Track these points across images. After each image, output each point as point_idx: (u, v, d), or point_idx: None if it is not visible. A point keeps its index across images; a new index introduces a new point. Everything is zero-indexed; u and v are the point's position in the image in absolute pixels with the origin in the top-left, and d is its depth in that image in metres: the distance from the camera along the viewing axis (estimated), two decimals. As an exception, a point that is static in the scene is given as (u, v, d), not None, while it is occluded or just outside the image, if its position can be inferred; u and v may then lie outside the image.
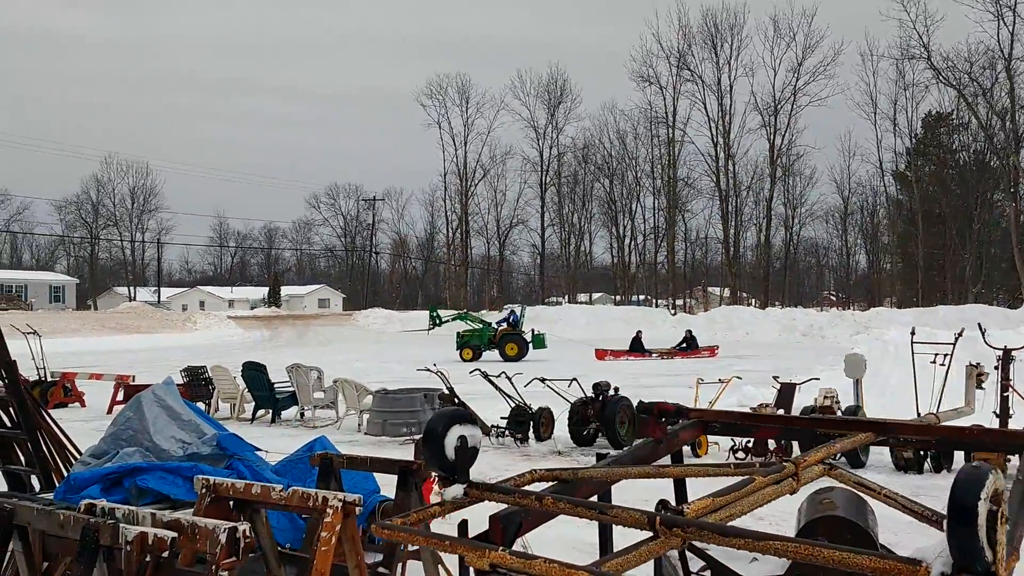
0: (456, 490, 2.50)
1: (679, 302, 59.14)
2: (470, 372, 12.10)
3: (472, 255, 64.33)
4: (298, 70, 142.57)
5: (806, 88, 54.18)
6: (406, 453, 10.68)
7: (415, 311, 62.66)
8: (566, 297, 65.71)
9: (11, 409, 6.53)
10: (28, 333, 16.17)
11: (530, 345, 28.25)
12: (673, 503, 2.35)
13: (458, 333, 29.56)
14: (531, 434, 11.32)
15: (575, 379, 10.98)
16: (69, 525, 3.58)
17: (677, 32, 62.43)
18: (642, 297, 67.11)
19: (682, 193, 57.35)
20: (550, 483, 2.81)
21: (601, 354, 27.47)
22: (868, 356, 16.10)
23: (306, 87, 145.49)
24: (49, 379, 16.06)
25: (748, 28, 73.54)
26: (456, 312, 36.04)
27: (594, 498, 2.90)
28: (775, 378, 10.96)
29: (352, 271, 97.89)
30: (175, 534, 3.49)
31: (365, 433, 12.31)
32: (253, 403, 13.85)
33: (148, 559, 3.53)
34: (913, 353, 9.80)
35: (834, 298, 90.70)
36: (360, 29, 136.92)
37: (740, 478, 2.60)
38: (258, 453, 5.99)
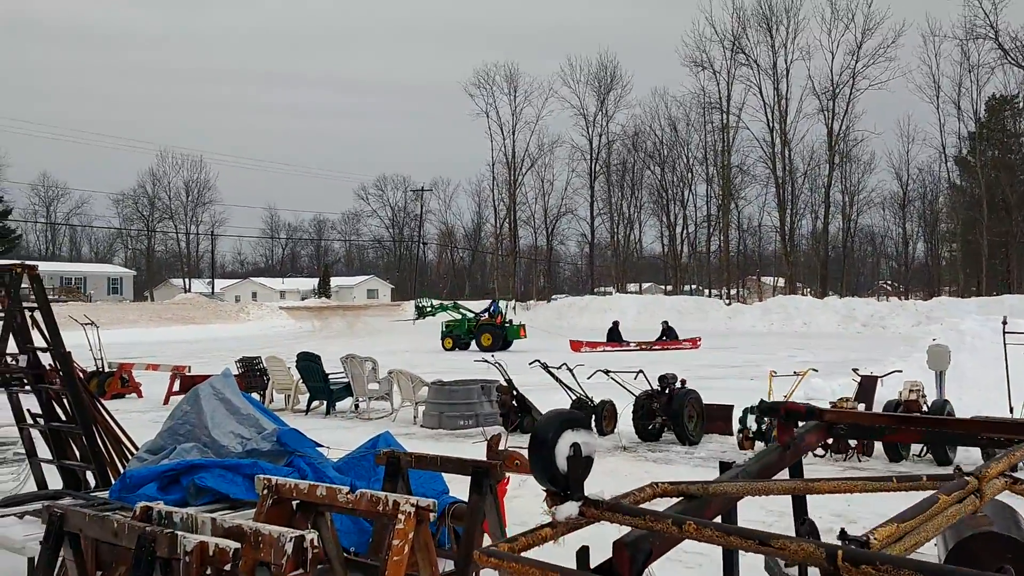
0: (570, 508, 2.11)
1: (731, 292, 57.92)
2: (529, 363, 11.72)
3: (520, 245, 63.93)
4: (348, 61, 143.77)
5: (865, 71, 52.55)
6: (464, 446, 10.36)
7: (464, 301, 62.59)
8: (615, 287, 64.95)
9: (66, 402, 6.33)
10: (86, 324, 16.24)
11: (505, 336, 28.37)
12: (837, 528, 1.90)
13: (444, 323, 30.02)
14: (593, 428, 10.90)
15: (641, 371, 10.53)
16: (123, 533, 3.27)
17: (731, 15, 61.14)
18: (692, 287, 66.03)
19: (735, 181, 56.15)
20: (675, 499, 2.40)
21: (576, 345, 27.01)
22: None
23: (355, 78, 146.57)
24: (106, 370, 16.10)
25: (805, 10, 71.87)
26: (441, 303, 36.62)
27: (717, 518, 2.48)
28: (855, 370, 10.37)
29: (400, 262, 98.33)
30: (237, 544, 3.16)
31: (421, 425, 12.02)
32: (308, 394, 13.67)
33: (208, 571, 3.22)
34: (1005, 344, 9.12)
35: (889, 287, 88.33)
36: (410, 19, 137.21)
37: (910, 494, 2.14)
38: (319, 449, 5.69)
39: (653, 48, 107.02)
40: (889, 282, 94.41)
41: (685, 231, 64.64)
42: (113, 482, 6.24)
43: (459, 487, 6.14)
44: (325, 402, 13.48)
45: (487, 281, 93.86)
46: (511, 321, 29.92)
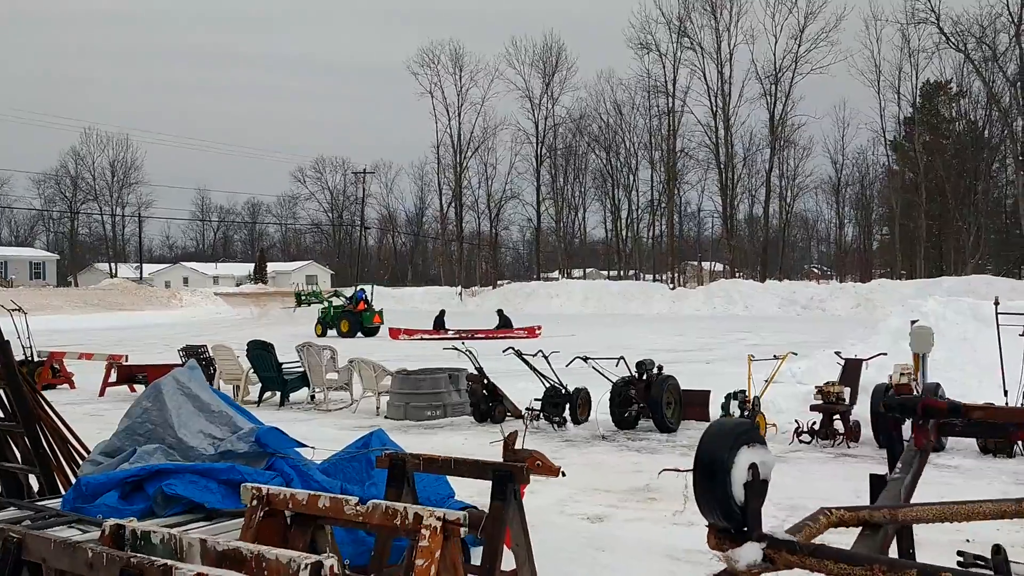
0: (752, 553, 1.58)
1: (674, 277, 58.29)
2: (503, 351, 11.19)
3: (463, 230, 63.21)
4: (286, 40, 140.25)
5: (807, 55, 53.10)
6: (434, 438, 9.81)
7: (407, 287, 61.60)
8: (559, 273, 64.78)
9: (4, 397, 5.56)
10: (12, 310, 15.09)
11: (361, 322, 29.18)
12: None
13: (320, 311, 31.22)
14: (567, 416, 10.44)
15: (622, 358, 10.10)
16: (101, 565, 2.64)
17: (677, -4, 60.73)
18: (634, 272, 66.28)
19: (679, 165, 56.31)
20: (854, 528, 1.89)
21: (395, 333, 27.27)
22: (903, 330, 15.36)
23: (294, 57, 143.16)
24: (36, 359, 15.00)
25: (750, -8, 71.89)
26: (315, 292, 40.31)
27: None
28: (837, 353, 10.12)
29: (340, 247, 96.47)
30: (242, 576, 2.57)
31: (385, 417, 11.40)
32: (259, 384, 12.88)
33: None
34: (999, 325, 8.95)
35: (818, 271, 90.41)
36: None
37: None
38: (303, 450, 5.07)
39: (599, 30, 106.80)
40: (818, 266, 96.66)
41: (630, 216, 64.75)
42: (61, 488, 5.52)
43: (466, 490, 5.62)
44: (279, 393, 12.72)
45: (429, 266, 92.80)
46: (370, 308, 30.13)
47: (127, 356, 14.95)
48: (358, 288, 32.27)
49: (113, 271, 77.38)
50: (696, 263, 70.47)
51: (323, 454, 5.23)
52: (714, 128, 53.99)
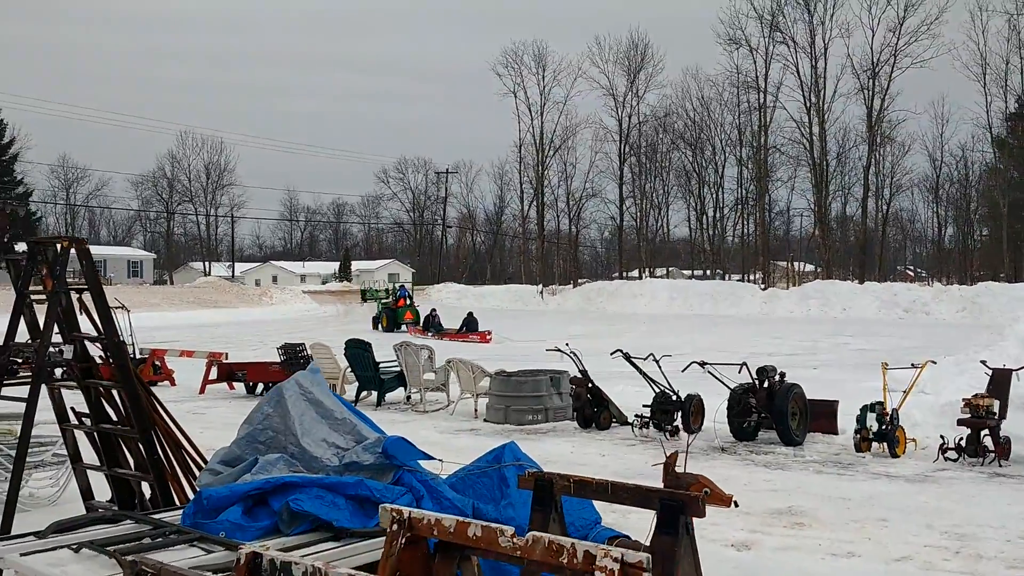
0: None
1: (764, 277, 56.42)
2: (611, 353, 10.68)
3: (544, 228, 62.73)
4: (370, 42, 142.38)
5: (907, 49, 50.66)
6: (537, 444, 9.36)
7: (486, 286, 61.51)
8: (641, 272, 63.64)
9: (119, 400, 5.36)
10: (116, 308, 15.29)
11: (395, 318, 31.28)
12: None
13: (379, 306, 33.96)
14: (679, 425, 9.86)
15: (744, 364, 9.46)
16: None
17: (769, -10, 58.67)
18: (719, 272, 64.61)
19: (771, 162, 54.49)
20: None
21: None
22: (1036, 336, 14.20)
23: (378, 59, 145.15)
24: (138, 356, 15.18)
25: (845, -16, 69.03)
26: (379, 290, 41.71)
27: None
28: (983, 362, 9.26)
29: (420, 246, 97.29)
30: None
31: (484, 420, 11.04)
32: (356, 384, 12.69)
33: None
34: None
35: (912, 273, 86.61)
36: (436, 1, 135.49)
37: None
38: (428, 463, 4.68)
39: (685, 26, 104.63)
40: (912, 267, 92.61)
41: (718, 214, 63.02)
42: (175, 497, 5.28)
43: (612, 515, 5.16)
44: (375, 393, 12.50)
45: (507, 265, 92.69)
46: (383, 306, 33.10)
47: (227, 354, 15.01)
48: (399, 286, 35.03)
49: (207, 269, 79.72)
50: (785, 263, 68.22)
51: (449, 467, 4.83)
52: (807, 124, 52.05)
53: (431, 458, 4.61)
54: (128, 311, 15.56)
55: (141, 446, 5.16)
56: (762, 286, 50.50)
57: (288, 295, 48.53)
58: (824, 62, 51.92)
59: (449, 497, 4.37)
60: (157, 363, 15.13)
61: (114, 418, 5.47)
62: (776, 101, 53.41)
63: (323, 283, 73.78)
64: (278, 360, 13.46)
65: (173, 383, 15.17)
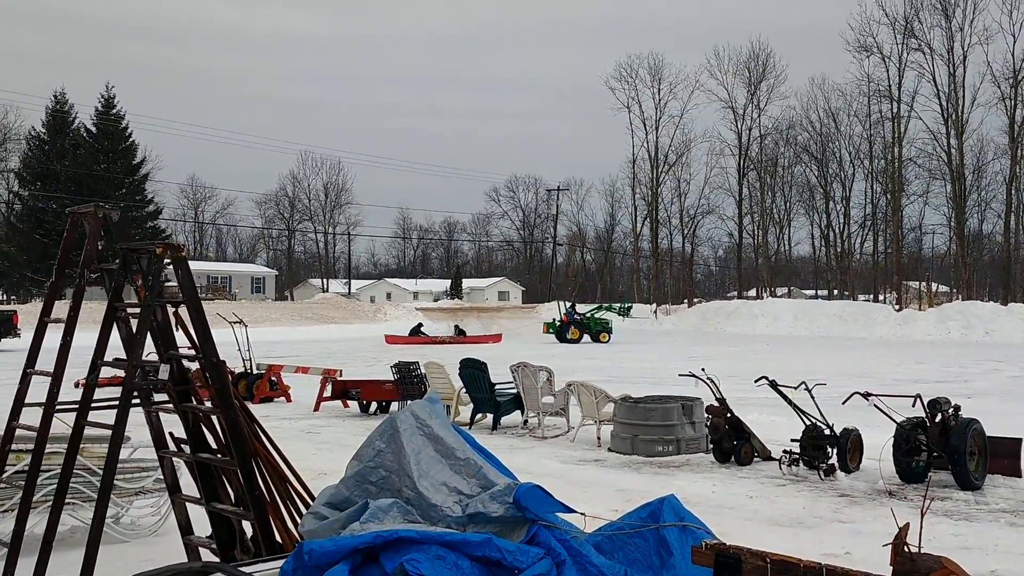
0: None
1: (898, 297, 52.94)
2: (755, 381, 9.63)
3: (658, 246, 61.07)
4: (483, 59, 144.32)
5: (1053, 55, 46.81)
6: (672, 480, 8.43)
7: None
8: (760, 291, 61.11)
9: (218, 427, 4.81)
10: (234, 323, 15.28)
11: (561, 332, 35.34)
12: None
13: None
14: (835, 463, 8.69)
15: (919, 396, 8.24)
16: None
17: (903, -4, 55.14)
18: (845, 292, 61.31)
19: (905, 175, 51.26)
20: None
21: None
22: None
23: (491, 76, 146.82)
24: (255, 371, 15.08)
25: (985, -11, 64.63)
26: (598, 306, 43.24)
27: None
28: None
29: (530, 263, 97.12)
30: None
31: (609, 449, 10.16)
32: (471, 405, 12.05)
33: None
34: None
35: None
36: (552, 16, 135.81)
37: None
38: (568, 516, 3.87)
39: (810, 35, 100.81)
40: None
41: (845, 231, 59.84)
42: (278, 537, 4.68)
43: None
44: (491, 416, 11.82)
45: (618, 284, 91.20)
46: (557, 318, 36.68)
47: (341, 371, 14.70)
48: (569, 305, 38.03)
49: (325, 286, 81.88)
50: (916, 283, 64.20)
51: (593, 521, 4.01)
52: (945, 135, 48.76)
53: (572, 511, 3.80)
54: (246, 326, 15.52)
55: (242, 479, 4.58)
56: (896, 307, 47.45)
57: (401, 312, 48.95)
58: (963, 70, 48.60)
59: (597, 563, 3.55)
60: (273, 379, 14.96)
61: (213, 446, 4.93)
62: (911, 111, 50.34)
63: (435, 300, 74.42)
64: (391, 378, 13.00)
65: (289, 399, 14.97)
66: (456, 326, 38.95)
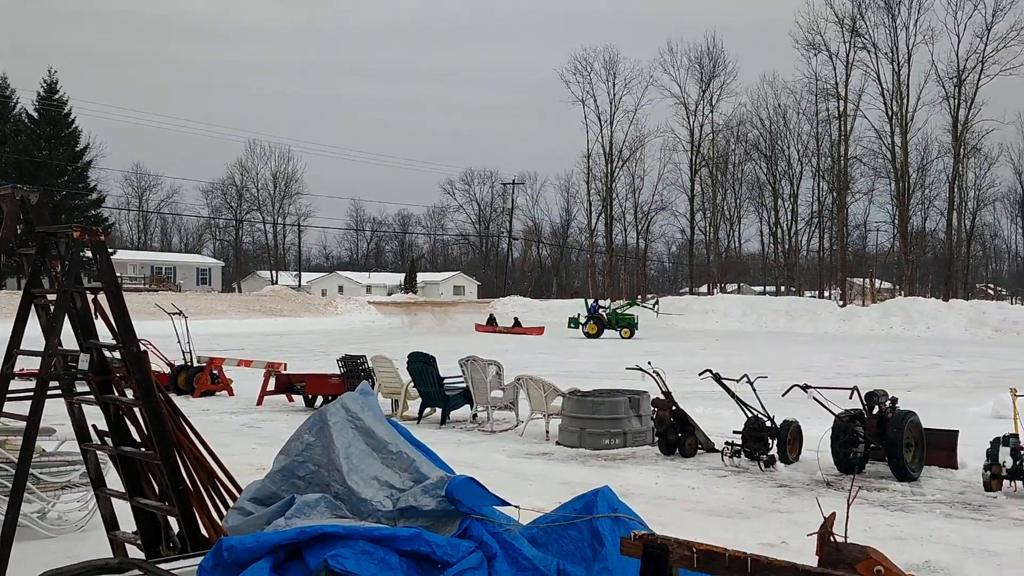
0: None
1: (842, 294, 54.04)
2: (699, 374, 9.66)
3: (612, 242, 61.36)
4: (437, 51, 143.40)
5: (995, 55, 48.03)
6: (617, 472, 8.42)
7: (554, 300, 60.55)
8: (711, 288, 61.87)
9: (142, 419, 4.62)
10: (173, 313, 14.91)
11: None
12: None
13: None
14: (775, 455, 8.77)
15: (856, 388, 8.34)
16: None
17: (850, -7, 55.92)
18: (791, 288, 62.39)
19: (850, 173, 52.20)
20: None
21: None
22: None
23: (448, 68, 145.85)
24: (195, 364, 14.73)
25: (930, -13, 65.74)
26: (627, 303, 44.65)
27: None
28: None
29: (486, 258, 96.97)
30: None
31: (557, 443, 10.11)
32: (419, 400, 11.92)
33: None
34: None
35: (991, 290, 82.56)
36: (514, 6, 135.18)
37: None
38: (505, 509, 3.80)
39: (761, 32, 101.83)
40: (992, 285, 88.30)
41: (792, 228, 60.85)
42: (205, 534, 4.52)
43: None
44: (440, 410, 11.71)
45: (573, 279, 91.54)
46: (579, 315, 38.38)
47: (285, 364, 14.43)
48: (591, 303, 39.15)
49: (274, 278, 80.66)
50: (860, 280, 65.61)
51: (528, 513, 3.93)
52: (889, 133, 49.76)
53: (506, 504, 3.72)
54: (185, 317, 15.15)
55: (166, 474, 4.41)
56: (840, 303, 48.41)
57: (353, 305, 48.46)
58: (908, 69, 49.69)
59: (528, 556, 3.48)
60: (215, 372, 14.63)
61: (137, 439, 4.74)
62: (856, 110, 51.30)
63: (388, 294, 73.90)
64: (338, 372, 12.80)
65: (231, 393, 14.67)
66: (515, 319, 42.81)
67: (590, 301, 39.76)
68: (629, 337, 34.92)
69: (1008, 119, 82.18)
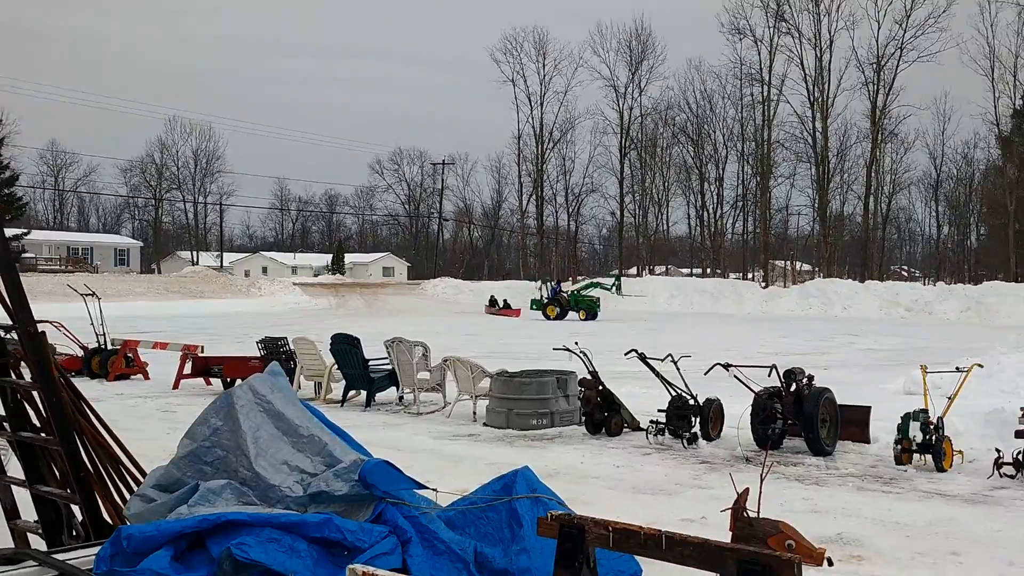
0: None
1: (765, 275, 55.43)
2: (625, 353, 9.72)
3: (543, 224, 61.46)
4: (365, 29, 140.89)
5: (913, 42, 49.56)
6: (546, 453, 8.42)
7: (484, 281, 60.46)
8: (640, 270, 62.67)
9: (41, 403, 4.38)
10: (86, 295, 14.32)
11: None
12: None
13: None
14: (698, 432, 8.90)
15: (774, 366, 8.51)
16: None
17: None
18: (717, 271, 63.74)
19: (773, 157, 53.41)
20: None
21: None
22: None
23: (373, 46, 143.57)
24: (109, 347, 14.19)
25: (854, -26, 67.37)
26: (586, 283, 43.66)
27: None
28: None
29: (416, 239, 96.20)
30: None
31: (484, 424, 10.08)
32: (343, 382, 11.71)
33: None
34: None
35: (906, 272, 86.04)
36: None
37: None
38: (423, 492, 3.71)
39: (689, 16, 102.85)
40: (905, 267, 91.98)
41: (718, 211, 62.08)
42: (110, 522, 4.32)
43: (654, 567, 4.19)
44: (364, 392, 11.53)
45: (505, 260, 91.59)
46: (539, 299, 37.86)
47: (202, 347, 14.00)
48: (554, 282, 38.98)
49: (195, 259, 78.52)
50: (783, 262, 67.45)
51: (446, 497, 3.86)
52: (811, 118, 51.02)
53: (423, 487, 3.64)
54: (99, 299, 14.58)
55: (66, 461, 4.19)
56: (762, 284, 49.65)
57: (278, 287, 47.49)
58: (830, 55, 50.94)
59: (445, 539, 3.41)
60: (129, 355, 14.13)
61: (37, 423, 4.50)
62: (780, 95, 52.41)
63: (315, 275, 72.68)
64: (258, 354, 12.50)
65: (147, 376, 14.20)
66: (504, 300, 41.87)
67: (551, 282, 39.03)
68: (586, 319, 33.89)
69: (924, 105, 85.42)
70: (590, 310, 34.74)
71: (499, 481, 3.70)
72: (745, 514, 2.89)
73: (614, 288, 40.03)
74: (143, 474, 4.59)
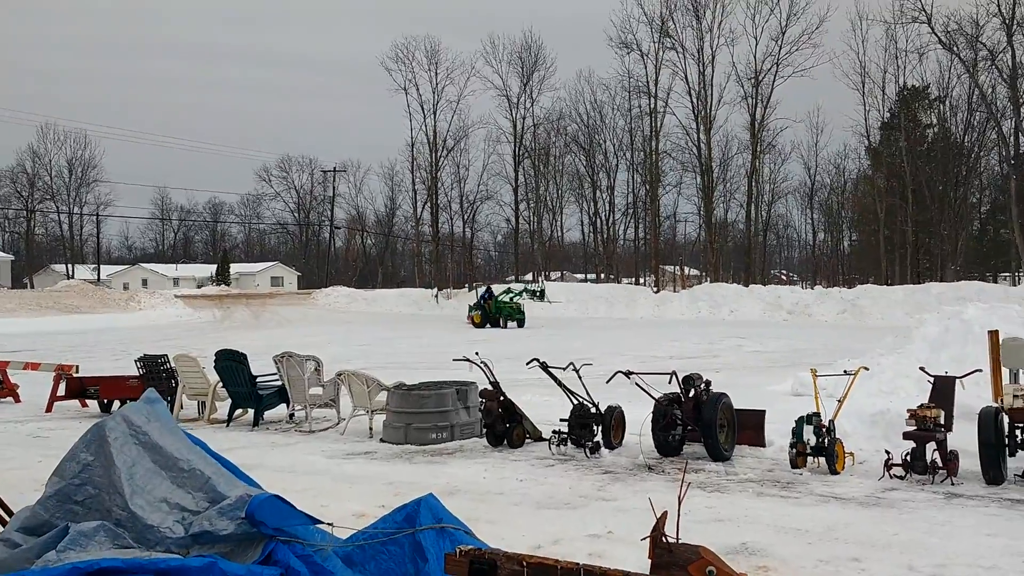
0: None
1: (655, 281, 56.76)
2: (527, 363, 9.59)
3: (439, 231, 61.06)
4: (252, 34, 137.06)
5: (788, 58, 51.87)
6: (446, 469, 8.17)
7: (379, 289, 59.53)
8: (536, 276, 63.12)
9: None
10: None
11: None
12: None
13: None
14: (599, 440, 8.86)
15: (674, 372, 8.53)
16: None
17: (660, -5, 58.42)
18: (611, 276, 64.91)
19: (661, 167, 54.82)
20: None
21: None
22: (945, 339, 14.00)
23: (260, 52, 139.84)
24: (-27, 369, 13.10)
25: (734, -8, 70.06)
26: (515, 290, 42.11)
27: None
28: (922, 369, 8.66)
29: (307, 248, 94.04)
30: None
31: (381, 440, 9.75)
32: (229, 401, 11.14)
33: None
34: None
35: (784, 276, 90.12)
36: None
37: None
38: (318, 527, 3.43)
39: (578, 29, 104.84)
40: (784, 272, 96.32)
41: (611, 218, 63.18)
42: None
43: None
44: (252, 411, 11.00)
45: (399, 268, 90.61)
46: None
47: (77, 366, 13.09)
48: (485, 289, 36.88)
49: (70, 272, 74.32)
50: (672, 267, 69.34)
51: (344, 530, 3.59)
52: (696, 130, 52.61)
53: (318, 521, 3.36)
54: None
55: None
56: (654, 289, 50.77)
57: (158, 300, 45.37)
58: (712, 69, 52.64)
59: (341, 577, 3.15)
60: (-2, 377, 13.08)
61: None
62: (666, 107, 53.78)
63: (199, 287, 69.99)
64: (137, 373, 11.76)
65: (18, 399, 13.20)
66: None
67: (480, 288, 37.72)
68: (507, 327, 32.55)
69: (799, 118, 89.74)
70: (513, 316, 33.58)
71: (401, 511, 3.46)
72: (664, 540, 2.76)
73: (535, 295, 39.12)
74: (9, 513, 4.12)
